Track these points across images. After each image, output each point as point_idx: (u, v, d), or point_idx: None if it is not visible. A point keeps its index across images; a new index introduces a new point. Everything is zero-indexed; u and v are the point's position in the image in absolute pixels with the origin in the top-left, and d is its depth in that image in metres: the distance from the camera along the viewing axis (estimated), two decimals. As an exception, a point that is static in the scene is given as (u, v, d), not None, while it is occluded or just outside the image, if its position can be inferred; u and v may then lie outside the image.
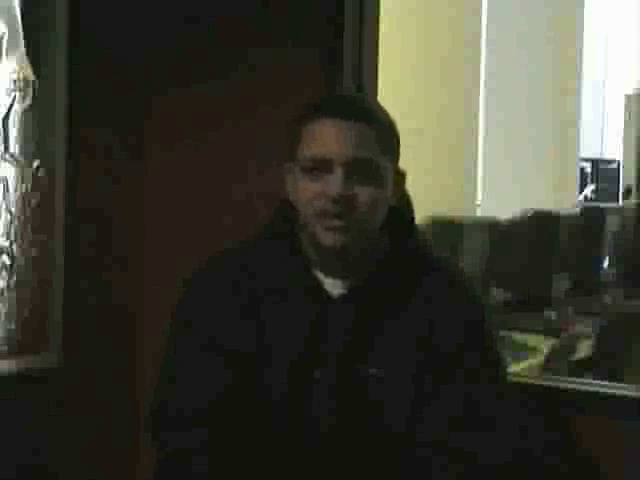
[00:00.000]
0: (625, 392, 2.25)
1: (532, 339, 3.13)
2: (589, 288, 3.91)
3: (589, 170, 6.05)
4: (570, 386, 2.34)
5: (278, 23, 2.52)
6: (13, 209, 2.41)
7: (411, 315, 1.71)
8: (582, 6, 6.14)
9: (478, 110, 5.33)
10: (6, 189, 2.39)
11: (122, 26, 2.64)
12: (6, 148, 2.39)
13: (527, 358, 2.97)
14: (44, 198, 2.47)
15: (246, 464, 1.70)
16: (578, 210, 4.57)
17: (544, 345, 3.10)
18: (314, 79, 2.45)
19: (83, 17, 2.51)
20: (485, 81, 5.38)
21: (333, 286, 1.73)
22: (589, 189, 5.97)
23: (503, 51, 5.50)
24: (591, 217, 4.18)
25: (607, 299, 3.80)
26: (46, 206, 2.47)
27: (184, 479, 1.69)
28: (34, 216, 2.45)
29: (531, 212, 3.91)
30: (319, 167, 1.66)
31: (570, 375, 2.78)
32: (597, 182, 6.00)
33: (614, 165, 6.03)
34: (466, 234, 3.82)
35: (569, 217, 4.15)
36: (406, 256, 1.74)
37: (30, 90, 2.42)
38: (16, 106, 2.40)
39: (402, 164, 1.77)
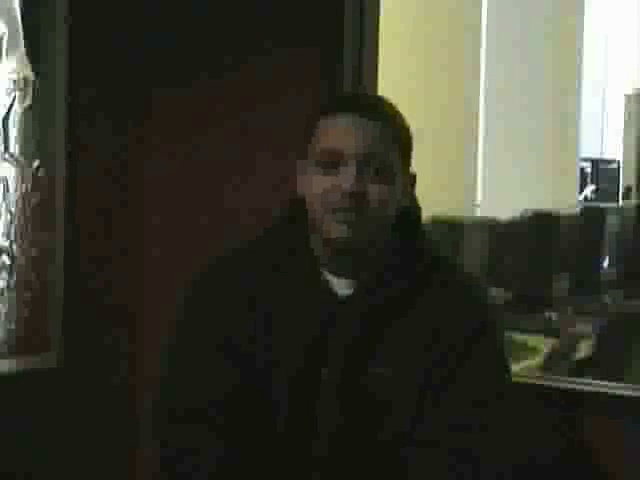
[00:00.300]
0: (625, 392, 2.25)
1: (532, 339, 3.12)
2: (589, 288, 3.90)
3: (589, 170, 6.04)
4: (570, 386, 2.34)
5: (278, 23, 2.53)
6: (13, 209, 2.41)
7: (419, 315, 1.71)
8: (582, 6, 6.13)
9: (478, 110, 5.32)
10: (6, 189, 2.39)
11: (122, 26, 2.64)
12: (6, 148, 2.39)
13: (527, 358, 2.96)
14: (44, 198, 2.47)
15: (251, 463, 1.70)
16: (578, 210, 4.56)
17: (544, 345, 3.09)
18: (314, 79, 2.45)
19: (83, 17, 2.51)
20: (485, 81, 5.38)
21: (341, 286, 1.73)
22: (589, 189, 5.96)
23: (503, 51, 5.50)
24: (591, 217, 4.18)
25: (607, 299, 3.79)
26: (46, 206, 2.47)
27: (188, 476, 1.69)
28: (34, 216, 2.45)
29: (531, 212, 3.90)
30: (333, 161, 1.66)
31: (570, 375, 2.78)
32: (597, 182, 6.00)
33: (614, 165, 6.02)
34: (466, 234, 3.81)
35: (569, 217, 4.14)
36: (415, 256, 1.75)
37: (30, 90, 2.42)
38: (16, 106, 2.40)
39: (401, 164, 1.77)
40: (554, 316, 3.53)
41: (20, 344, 2.44)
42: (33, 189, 2.45)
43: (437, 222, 3.59)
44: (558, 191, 5.78)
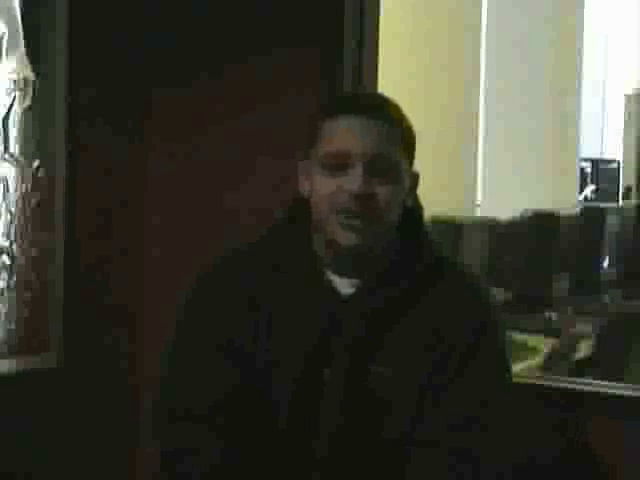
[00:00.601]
0: (625, 392, 2.25)
1: (532, 339, 3.12)
2: (589, 288, 3.90)
3: (589, 170, 6.04)
4: (570, 386, 2.34)
5: (278, 23, 2.53)
6: (13, 209, 2.41)
7: (421, 315, 1.71)
8: (582, 6, 6.13)
9: (478, 110, 5.32)
10: (6, 189, 2.39)
11: (122, 26, 2.64)
12: (6, 148, 2.39)
13: (527, 358, 2.96)
14: (44, 198, 2.47)
15: (251, 463, 1.70)
16: (578, 210, 4.56)
17: (544, 345, 3.09)
18: (314, 79, 2.45)
19: (83, 17, 2.51)
20: (485, 81, 5.38)
21: (343, 285, 1.73)
22: (589, 189, 5.96)
23: (503, 51, 5.50)
24: (591, 217, 4.18)
25: (607, 299, 3.79)
26: (46, 206, 2.47)
27: (188, 476, 1.69)
28: (34, 216, 2.45)
29: (531, 212, 3.90)
30: (339, 163, 1.66)
31: (570, 375, 2.78)
32: (597, 182, 5.99)
33: (614, 165, 6.02)
34: (466, 234, 3.81)
35: (569, 217, 4.14)
36: (418, 256, 1.75)
37: (30, 90, 2.42)
38: (16, 106, 2.40)
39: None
40: (554, 316, 3.53)
41: (20, 344, 2.44)
42: (33, 189, 2.45)
43: (437, 222, 3.59)
44: (558, 191, 5.78)
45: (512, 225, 3.92)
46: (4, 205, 2.39)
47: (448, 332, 1.70)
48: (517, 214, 3.97)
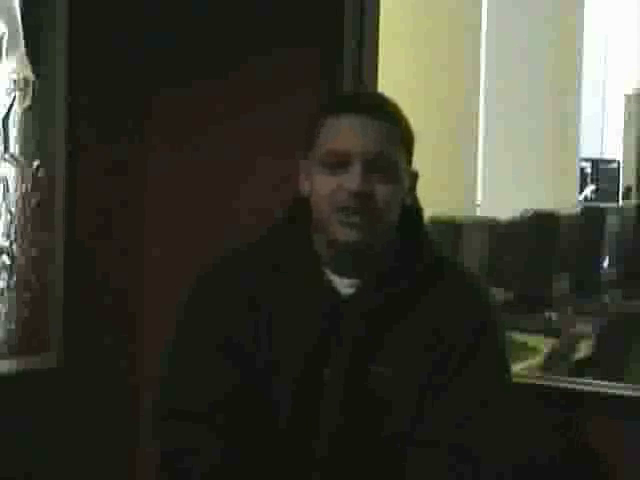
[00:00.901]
0: (625, 392, 2.25)
1: (532, 339, 3.12)
2: (589, 288, 3.90)
3: (589, 170, 6.04)
4: (570, 386, 2.34)
5: (278, 23, 2.53)
6: (13, 209, 2.41)
7: (421, 315, 1.71)
8: (582, 6, 6.13)
9: (478, 110, 5.32)
10: (6, 189, 2.39)
11: (122, 26, 2.64)
12: (6, 148, 2.39)
13: (527, 358, 2.96)
14: (44, 198, 2.47)
15: (251, 463, 1.70)
16: (578, 210, 4.56)
17: (544, 345, 3.09)
18: (314, 79, 2.45)
19: (83, 17, 2.51)
20: (485, 81, 5.38)
21: (343, 285, 1.73)
22: (589, 189, 5.96)
23: (503, 51, 5.50)
24: (591, 217, 4.17)
25: (607, 299, 3.79)
26: (46, 206, 2.47)
27: (189, 476, 1.69)
28: (34, 216, 2.45)
29: (531, 212, 3.90)
30: (338, 161, 1.67)
31: (570, 375, 2.78)
32: (597, 182, 5.99)
33: (614, 165, 6.02)
34: (466, 234, 3.81)
35: (569, 217, 4.14)
36: (418, 256, 1.75)
37: (30, 90, 2.42)
38: (16, 106, 2.40)
39: (402, 164, 1.77)
40: (554, 316, 3.53)
41: (20, 344, 2.44)
42: (33, 189, 2.45)
43: (437, 222, 3.59)
44: (558, 191, 5.78)
45: (512, 225, 3.92)
46: (4, 205, 2.39)
47: (448, 332, 1.70)
48: (517, 214, 3.97)
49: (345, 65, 2.43)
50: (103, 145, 2.64)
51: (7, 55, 2.38)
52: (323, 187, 1.69)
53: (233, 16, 2.59)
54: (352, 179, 1.66)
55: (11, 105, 2.39)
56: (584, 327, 3.24)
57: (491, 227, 3.94)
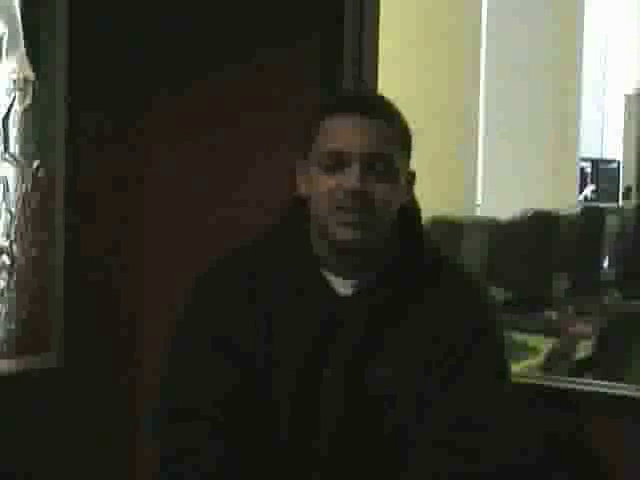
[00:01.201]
0: (625, 392, 2.25)
1: (532, 339, 3.13)
2: (589, 288, 3.90)
3: (589, 170, 6.05)
4: (570, 386, 2.34)
5: (278, 23, 2.52)
6: (13, 209, 2.41)
7: (420, 315, 1.71)
8: (582, 6, 6.14)
9: (478, 110, 5.33)
10: (6, 189, 2.39)
11: (122, 26, 2.64)
12: (6, 148, 2.39)
13: (527, 358, 2.97)
14: (44, 198, 2.46)
15: (252, 463, 1.70)
16: (578, 210, 4.57)
17: (544, 345, 3.10)
18: (314, 79, 2.45)
19: (83, 17, 2.51)
20: (485, 81, 5.38)
21: (342, 285, 1.73)
22: (589, 189, 5.97)
23: (503, 51, 5.50)
24: (591, 217, 4.18)
25: (607, 299, 3.79)
26: (46, 206, 2.47)
27: (189, 476, 1.69)
28: (34, 216, 2.45)
29: (531, 212, 3.91)
30: (337, 161, 1.67)
31: (570, 375, 2.78)
32: (597, 182, 6.00)
33: (614, 165, 6.03)
34: (466, 234, 3.82)
35: (569, 217, 4.15)
36: (417, 256, 1.75)
37: (30, 90, 2.42)
38: (16, 106, 2.40)
39: (402, 164, 1.77)
40: (554, 316, 3.53)
41: (20, 344, 2.43)
42: (33, 189, 2.45)
43: (437, 222, 3.59)
44: (558, 191, 5.79)
45: (512, 225, 3.92)
46: (4, 205, 2.39)
47: (447, 332, 1.70)
48: (517, 214, 3.97)
49: (345, 65, 2.43)
50: (103, 145, 2.64)
51: (7, 55, 2.38)
52: (321, 187, 1.68)
53: (233, 16, 2.59)
54: (350, 179, 1.66)
55: (11, 105, 2.39)
56: (584, 327, 3.25)
57: (491, 227, 3.95)
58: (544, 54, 5.78)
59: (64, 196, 2.51)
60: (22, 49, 2.41)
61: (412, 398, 1.68)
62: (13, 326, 2.41)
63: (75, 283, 2.54)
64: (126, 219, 2.71)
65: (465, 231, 3.82)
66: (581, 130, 6.18)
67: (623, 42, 6.53)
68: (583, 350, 3.05)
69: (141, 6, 2.66)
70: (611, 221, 4.13)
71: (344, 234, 1.67)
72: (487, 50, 5.39)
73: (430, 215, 3.51)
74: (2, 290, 2.39)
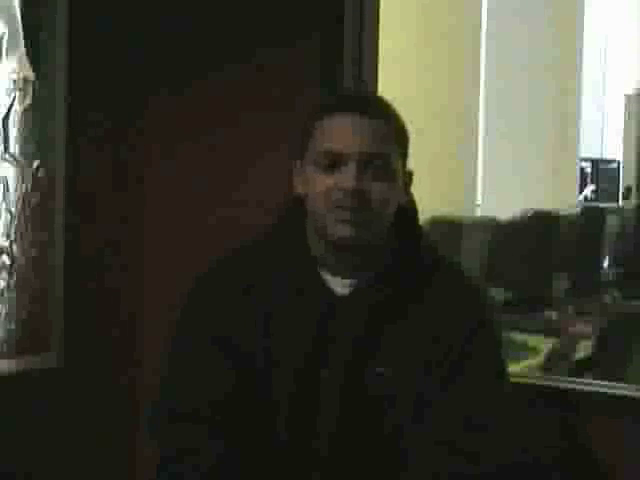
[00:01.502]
0: (625, 392, 2.25)
1: (532, 339, 3.12)
2: (589, 288, 3.90)
3: (589, 170, 6.05)
4: (570, 386, 2.34)
5: (278, 23, 2.52)
6: (13, 209, 2.41)
7: (418, 315, 1.71)
8: (582, 6, 6.14)
9: (478, 110, 5.33)
10: (6, 189, 2.39)
11: (122, 26, 2.64)
12: (6, 148, 2.39)
13: (527, 358, 2.96)
14: (44, 198, 2.47)
15: (251, 463, 1.70)
16: (578, 210, 4.57)
17: (544, 345, 3.09)
18: (314, 79, 2.45)
19: (83, 17, 2.51)
20: (485, 81, 5.38)
21: (340, 285, 1.73)
22: (589, 189, 5.97)
23: (503, 51, 5.50)
24: (591, 217, 4.18)
25: (607, 299, 3.79)
26: (46, 206, 2.47)
27: (188, 476, 1.69)
28: (34, 216, 2.45)
29: (531, 212, 3.91)
30: (334, 161, 1.67)
31: (570, 375, 2.78)
32: (597, 182, 6.00)
33: (614, 165, 6.03)
34: (466, 234, 3.82)
35: (569, 217, 4.15)
36: (415, 256, 1.75)
37: (30, 90, 2.42)
38: (16, 106, 2.40)
39: (403, 164, 1.77)
40: (554, 316, 3.53)
41: (20, 344, 2.43)
42: (33, 189, 2.45)
43: (437, 222, 3.59)
44: (558, 191, 5.79)
45: (512, 225, 3.92)
46: (4, 205, 2.39)
47: (445, 332, 1.70)
48: (517, 214, 3.97)
49: (345, 65, 2.43)
50: (103, 145, 2.64)
51: (7, 55, 2.38)
52: (318, 186, 1.68)
53: (233, 16, 2.59)
54: (347, 178, 1.66)
55: (11, 105, 2.39)
56: (584, 327, 3.25)
57: (491, 227, 3.95)
58: (544, 54, 5.77)
59: (64, 196, 2.51)
60: (22, 49, 2.41)
61: (411, 397, 1.68)
62: (13, 326, 2.41)
63: (75, 283, 2.54)
64: (126, 219, 2.71)
65: (465, 231, 3.82)
66: (581, 130, 6.18)
67: (623, 42, 6.53)
68: (583, 350, 3.05)
69: (141, 6, 2.66)
70: (611, 221, 4.13)
71: (342, 231, 1.67)
72: (487, 50, 5.39)
73: (430, 215, 3.51)
74: (2, 290, 2.39)
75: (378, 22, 2.49)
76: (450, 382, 1.68)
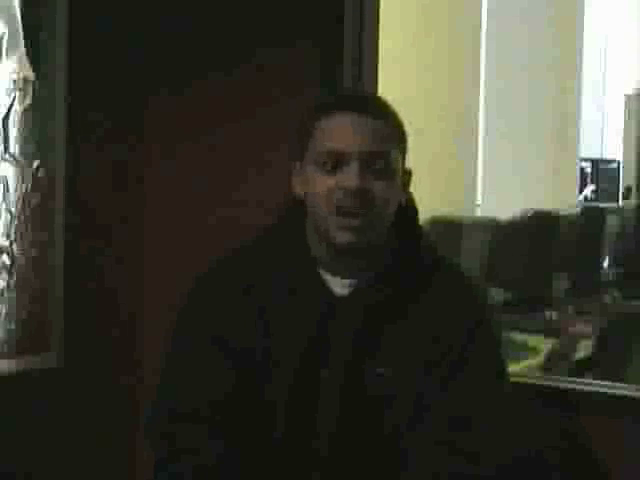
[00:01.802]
0: (625, 392, 2.25)
1: (532, 339, 3.12)
2: (589, 288, 3.90)
3: (589, 170, 6.04)
4: (570, 386, 2.34)
5: (278, 23, 2.53)
6: (13, 209, 2.41)
7: (418, 315, 1.71)
8: (582, 6, 6.13)
9: (478, 110, 5.32)
10: (6, 189, 2.39)
11: (122, 26, 2.64)
12: (6, 148, 2.39)
13: (527, 358, 2.96)
14: (44, 198, 2.47)
15: (251, 463, 1.70)
16: (578, 210, 4.57)
17: (544, 345, 3.09)
18: (314, 79, 2.45)
19: (83, 17, 2.51)
20: (485, 81, 5.38)
21: (339, 285, 1.73)
22: (589, 189, 5.96)
23: (503, 51, 5.50)
24: (591, 217, 4.18)
25: (607, 299, 3.79)
26: (46, 206, 2.47)
27: (188, 476, 1.69)
28: (34, 216, 2.45)
29: (531, 212, 3.91)
30: (335, 161, 1.66)
31: (570, 375, 2.78)
32: (597, 182, 5.99)
33: (614, 165, 6.02)
34: (466, 234, 3.81)
35: (569, 217, 4.15)
36: (415, 257, 1.75)
37: (30, 90, 2.42)
38: (16, 106, 2.40)
39: (403, 164, 1.77)
40: (554, 316, 3.53)
41: (20, 344, 2.44)
42: (33, 189, 2.45)
43: (437, 222, 3.59)
44: (558, 191, 5.78)
45: (512, 225, 3.92)
46: (4, 205, 2.39)
47: (445, 332, 1.70)
48: (517, 214, 3.97)
49: (345, 65, 2.43)
50: (103, 145, 2.64)
51: (7, 55, 2.38)
52: (319, 187, 1.68)
53: (233, 16, 2.60)
54: (350, 177, 1.65)
55: (11, 105, 2.39)
56: (584, 327, 3.24)
57: (491, 227, 3.94)
58: (544, 54, 5.77)
59: (64, 196, 2.51)
60: (22, 49, 2.41)
61: (410, 397, 1.68)
62: (13, 326, 2.42)
63: (75, 283, 2.54)
64: (126, 219, 2.71)
65: (465, 231, 3.82)
66: (581, 130, 6.18)
67: (623, 42, 6.52)
68: (583, 350, 3.05)
69: (141, 6, 2.66)
70: (611, 221, 4.13)
71: (343, 237, 1.67)
72: (487, 50, 5.39)
73: (430, 215, 3.51)
74: (2, 290, 2.39)
75: (378, 22, 2.49)
76: (450, 382, 1.68)
